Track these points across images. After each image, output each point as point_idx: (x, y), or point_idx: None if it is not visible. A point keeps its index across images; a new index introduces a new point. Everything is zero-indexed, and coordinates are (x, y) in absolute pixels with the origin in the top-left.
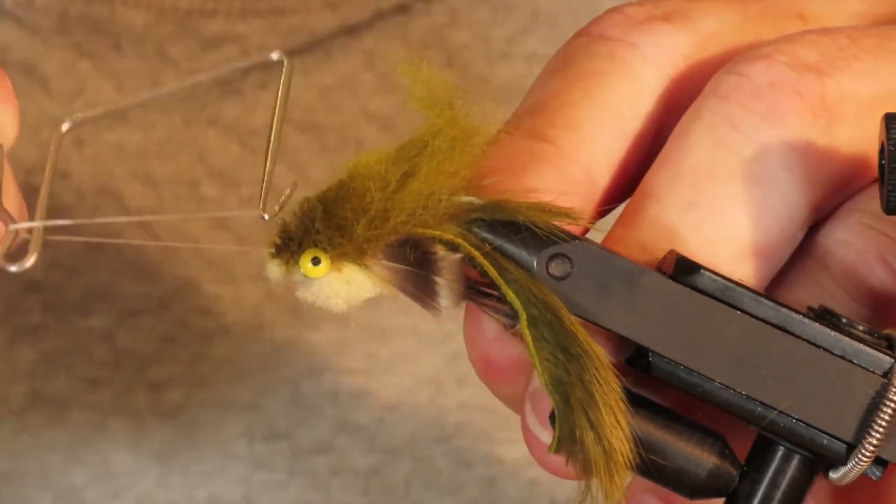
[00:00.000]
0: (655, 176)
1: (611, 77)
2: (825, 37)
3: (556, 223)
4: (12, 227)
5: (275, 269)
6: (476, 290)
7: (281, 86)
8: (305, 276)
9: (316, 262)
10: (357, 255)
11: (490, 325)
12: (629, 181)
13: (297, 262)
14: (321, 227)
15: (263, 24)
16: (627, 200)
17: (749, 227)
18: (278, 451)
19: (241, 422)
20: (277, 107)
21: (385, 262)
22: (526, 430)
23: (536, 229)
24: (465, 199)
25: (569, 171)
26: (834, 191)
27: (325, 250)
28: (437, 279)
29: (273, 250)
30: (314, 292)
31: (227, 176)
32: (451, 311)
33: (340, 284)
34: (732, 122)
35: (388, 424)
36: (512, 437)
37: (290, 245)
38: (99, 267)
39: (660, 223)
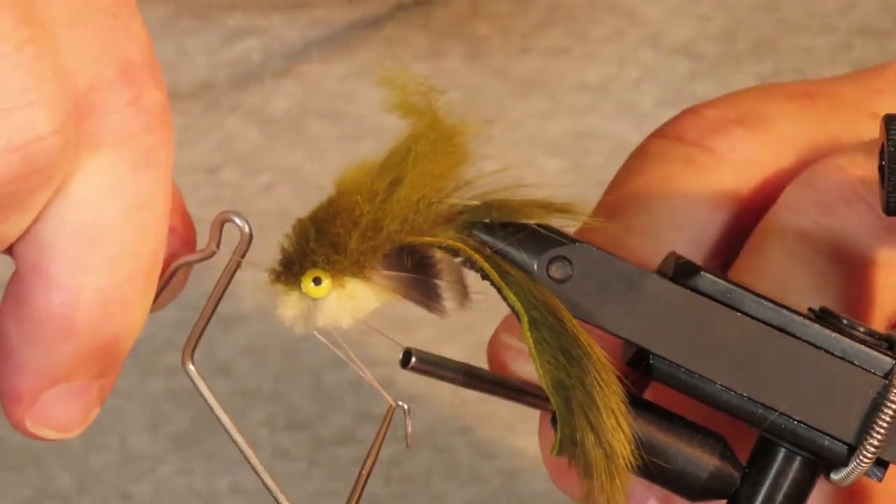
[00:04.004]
0: None
1: (688, 182)
2: None
3: (555, 224)
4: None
5: (289, 309)
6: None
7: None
8: (309, 296)
9: (317, 281)
10: (356, 268)
11: None
12: None
13: (298, 285)
14: (316, 246)
15: (283, 17)
16: None
17: None
18: (300, 441)
19: (263, 411)
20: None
21: (385, 271)
22: None
23: (538, 229)
24: (462, 201)
25: None
26: None
27: (324, 269)
28: (439, 282)
29: (273, 276)
30: (321, 312)
31: (247, 162)
32: (456, 312)
33: (345, 300)
34: (807, 237)
35: (410, 415)
36: (534, 430)
37: (292, 268)
38: None
39: None
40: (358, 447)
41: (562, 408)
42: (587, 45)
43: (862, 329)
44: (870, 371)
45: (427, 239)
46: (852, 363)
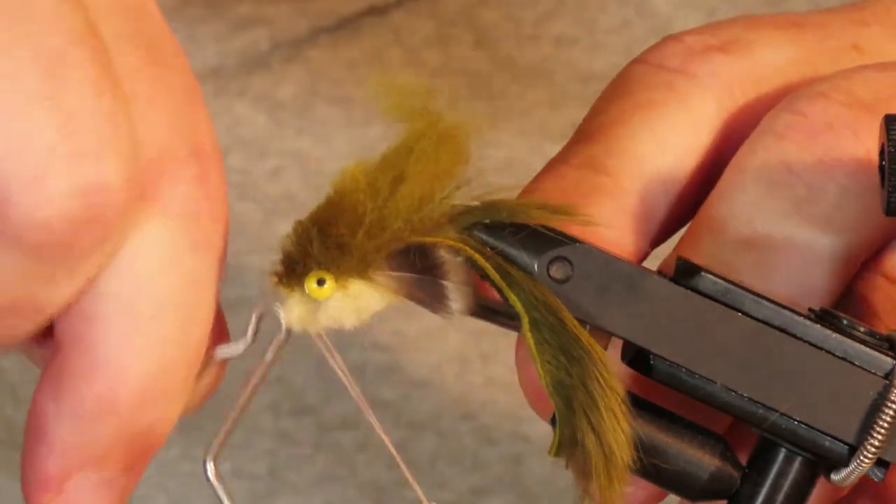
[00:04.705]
0: (711, 211)
1: (669, 108)
2: (881, 73)
3: (556, 223)
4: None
5: (292, 310)
6: (485, 306)
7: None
8: (313, 298)
9: (321, 283)
10: (361, 269)
11: None
12: (685, 211)
13: (302, 286)
14: (319, 247)
15: (292, 7)
16: (684, 229)
17: (802, 267)
18: (304, 426)
19: (268, 396)
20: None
21: (390, 272)
22: None
23: (541, 229)
24: (463, 201)
25: (626, 203)
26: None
27: (328, 270)
28: (445, 283)
29: (276, 278)
30: (325, 313)
31: (255, 147)
32: (462, 314)
33: (349, 301)
34: (788, 162)
35: (414, 400)
36: (538, 416)
37: (296, 269)
38: None
39: (716, 259)
40: (362, 433)
41: (562, 408)
42: (595, 35)
43: (862, 329)
44: (870, 371)
45: (429, 238)
46: (853, 363)
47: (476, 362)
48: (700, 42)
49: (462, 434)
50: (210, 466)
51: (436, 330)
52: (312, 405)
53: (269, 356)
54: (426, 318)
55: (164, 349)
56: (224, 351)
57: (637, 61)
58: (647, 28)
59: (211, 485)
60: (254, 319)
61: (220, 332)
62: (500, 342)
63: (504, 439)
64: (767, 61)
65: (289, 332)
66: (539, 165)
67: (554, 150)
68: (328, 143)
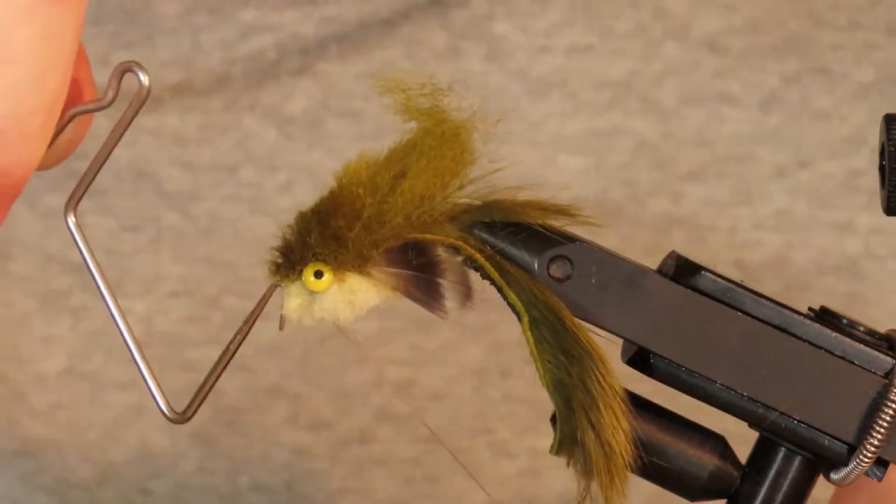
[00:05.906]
0: None
1: None
2: None
3: (557, 222)
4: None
5: (289, 300)
6: None
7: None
8: (309, 290)
9: (319, 275)
10: (358, 262)
11: None
12: None
13: (298, 277)
14: (317, 239)
15: (297, 14)
16: None
17: None
18: (322, 440)
19: (285, 409)
20: None
21: (388, 268)
22: None
23: (539, 228)
24: (463, 200)
25: None
26: None
27: (325, 262)
28: (442, 282)
29: (273, 267)
30: (321, 306)
31: (265, 161)
32: (456, 313)
33: (345, 294)
34: None
35: (432, 414)
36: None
37: (292, 257)
38: (138, 249)
39: None
40: (379, 446)
41: (562, 407)
42: (610, 41)
43: (862, 329)
44: (870, 371)
45: (428, 236)
46: (852, 363)
47: (494, 376)
48: None
49: (480, 448)
50: (70, 220)
51: (451, 344)
52: (329, 419)
53: (128, 113)
54: (441, 333)
55: (19, 94)
56: (84, 107)
57: None
58: (662, 31)
59: (71, 234)
60: (114, 79)
61: (83, 90)
62: (519, 356)
63: (522, 453)
64: None
65: (149, 89)
66: (551, 177)
67: (568, 160)
68: (339, 157)
